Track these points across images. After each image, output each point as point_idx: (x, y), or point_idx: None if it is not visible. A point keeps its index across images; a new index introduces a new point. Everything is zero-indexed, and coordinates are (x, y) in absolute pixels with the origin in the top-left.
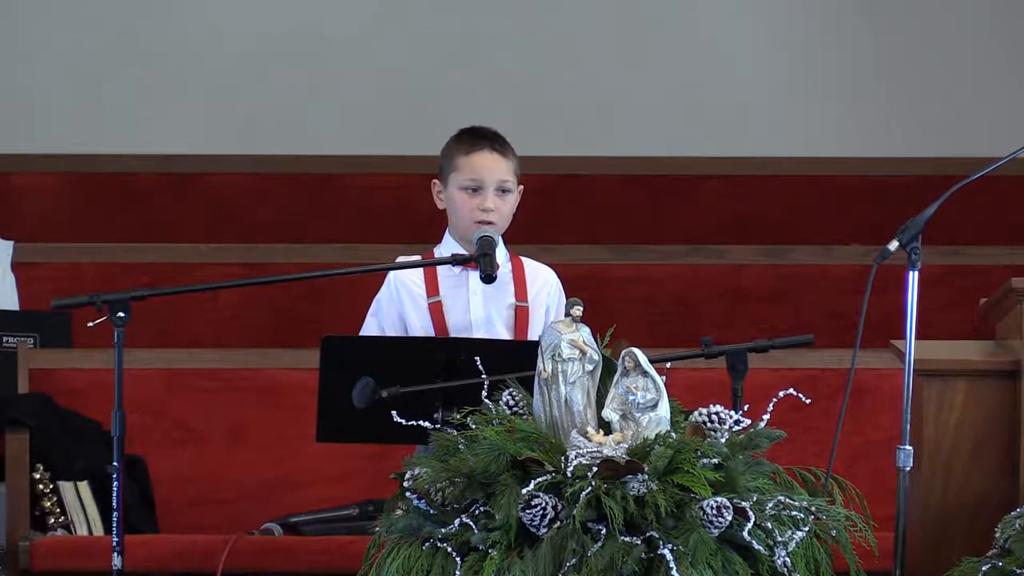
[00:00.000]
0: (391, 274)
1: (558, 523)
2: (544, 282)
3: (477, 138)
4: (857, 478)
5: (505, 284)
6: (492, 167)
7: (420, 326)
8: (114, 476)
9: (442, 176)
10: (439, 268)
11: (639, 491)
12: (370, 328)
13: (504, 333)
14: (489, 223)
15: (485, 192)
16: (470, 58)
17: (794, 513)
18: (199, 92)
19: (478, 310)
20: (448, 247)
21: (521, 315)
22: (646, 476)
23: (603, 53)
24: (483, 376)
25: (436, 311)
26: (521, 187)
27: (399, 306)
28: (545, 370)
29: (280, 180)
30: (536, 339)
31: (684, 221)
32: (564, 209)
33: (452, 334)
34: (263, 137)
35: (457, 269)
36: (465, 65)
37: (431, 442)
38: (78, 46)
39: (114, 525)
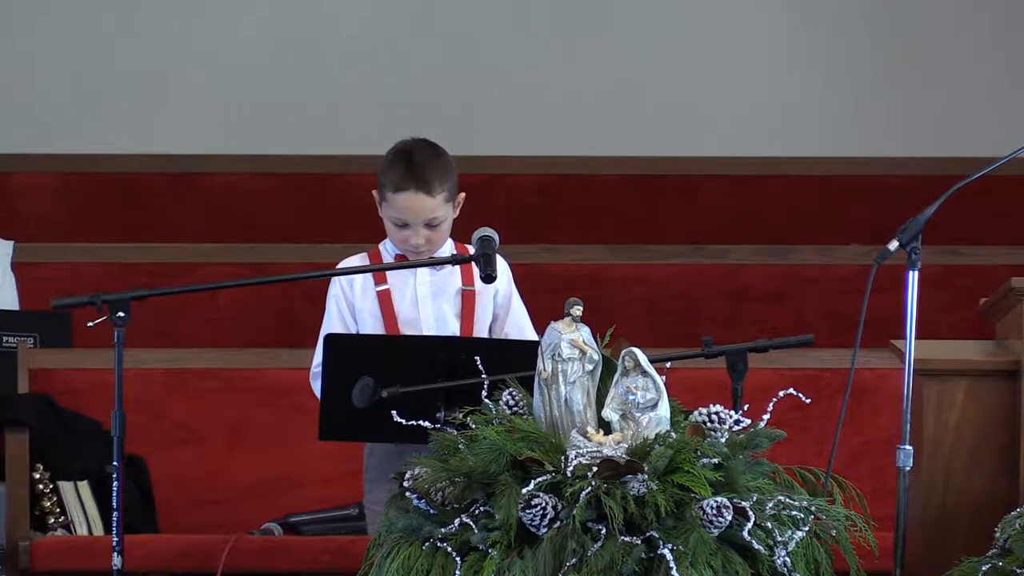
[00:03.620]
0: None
1: (558, 523)
2: None
3: (404, 177)
4: (857, 478)
5: (451, 270)
6: (418, 210)
7: (369, 313)
8: (114, 476)
9: (379, 191)
10: (384, 257)
11: (639, 491)
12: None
13: (452, 319)
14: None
15: (413, 228)
16: (470, 58)
17: (794, 513)
18: (199, 92)
19: (425, 297)
20: (392, 244)
21: (468, 300)
22: (646, 476)
23: (603, 53)
24: (483, 376)
25: (384, 298)
26: (462, 195)
27: (350, 297)
28: (545, 370)
29: (280, 180)
30: (488, 327)
31: (684, 221)
32: (564, 209)
33: (400, 321)
34: (263, 137)
35: None
36: (465, 65)
37: (431, 442)
38: (78, 46)
39: (114, 525)
